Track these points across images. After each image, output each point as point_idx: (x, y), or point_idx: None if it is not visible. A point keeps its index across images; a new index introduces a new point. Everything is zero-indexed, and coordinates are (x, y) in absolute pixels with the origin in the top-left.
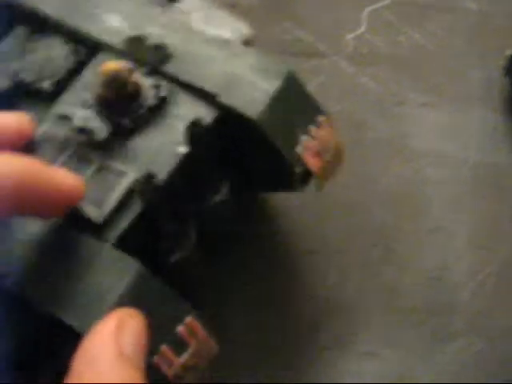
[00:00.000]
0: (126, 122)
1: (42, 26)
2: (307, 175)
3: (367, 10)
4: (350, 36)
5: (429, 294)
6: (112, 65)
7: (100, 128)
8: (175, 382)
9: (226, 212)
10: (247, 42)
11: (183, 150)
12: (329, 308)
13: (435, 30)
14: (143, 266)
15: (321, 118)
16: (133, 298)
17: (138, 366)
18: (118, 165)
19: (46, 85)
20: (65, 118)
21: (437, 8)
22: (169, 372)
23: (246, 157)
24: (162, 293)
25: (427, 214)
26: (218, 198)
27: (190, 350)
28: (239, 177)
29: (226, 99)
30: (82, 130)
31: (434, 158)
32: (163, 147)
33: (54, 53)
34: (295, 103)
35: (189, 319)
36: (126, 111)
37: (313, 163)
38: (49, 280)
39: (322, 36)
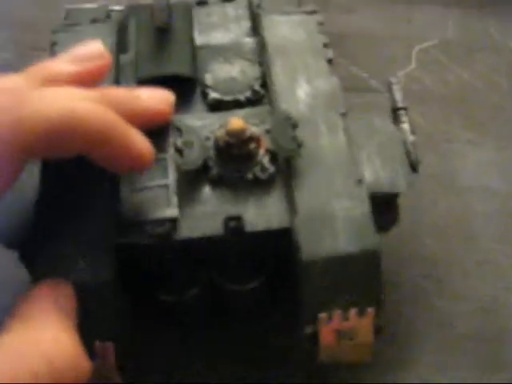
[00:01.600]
0: (232, 174)
1: None
2: (315, 340)
3: (416, 48)
4: (400, 73)
5: (479, 323)
6: (239, 124)
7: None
8: None
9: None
10: None
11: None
12: (382, 338)
13: (482, 68)
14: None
15: (370, 310)
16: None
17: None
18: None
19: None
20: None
21: (483, 48)
22: None
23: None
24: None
25: (476, 246)
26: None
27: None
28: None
29: (299, 225)
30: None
31: (481, 192)
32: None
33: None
34: (357, 277)
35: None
36: (238, 165)
37: (325, 337)
38: None
39: (373, 72)
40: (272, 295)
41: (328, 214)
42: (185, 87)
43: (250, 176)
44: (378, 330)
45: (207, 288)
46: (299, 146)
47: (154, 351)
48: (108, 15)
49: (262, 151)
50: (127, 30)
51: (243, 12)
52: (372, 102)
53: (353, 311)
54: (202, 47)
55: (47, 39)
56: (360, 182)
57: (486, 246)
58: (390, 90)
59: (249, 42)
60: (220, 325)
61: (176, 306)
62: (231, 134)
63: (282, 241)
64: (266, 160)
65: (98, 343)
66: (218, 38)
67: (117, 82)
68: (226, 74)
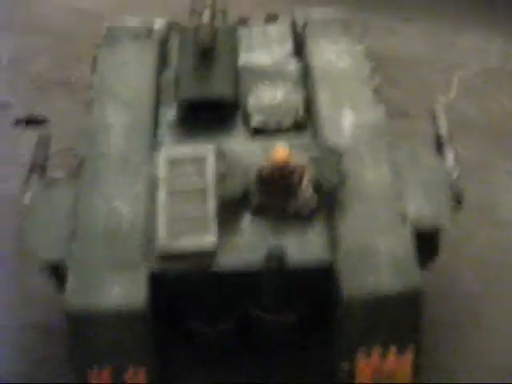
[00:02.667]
0: (273, 205)
1: None
2: (351, 378)
3: (458, 74)
4: (441, 99)
5: None
6: (283, 156)
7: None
8: None
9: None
10: None
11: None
12: (422, 369)
13: None
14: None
15: (409, 349)
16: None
17: None
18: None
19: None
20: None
21: None
22: None
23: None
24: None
25: None
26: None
27: None
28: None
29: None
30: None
31: None
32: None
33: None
34: (398, 315)
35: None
36: (280, 196)
37: (362, 375)
38: None
39: (414, 97)
40: (308, 329)
41: (371, 251)
42: (227, 110)
43: (292, 209)
44: (416, 370)
45: (242, 319)
46: (343, 179)
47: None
48: (149, 32)
49: (305, 183)
50: (169, 48)
51: (285, 33)
52: (413, 128)
53: (392, 349)
54: (244, 68)
55: (84, 50)
56: (404, 217)
57: None
58: (434, 119)
59: (293, 65)
60: (253, 358)
61: (210, 337)
62: (275, 165)
63: (322, 275)
64: (308, 192)
65: (130, 368)
66: (261, 59)
67: (157, 101)
68: (269, 98)
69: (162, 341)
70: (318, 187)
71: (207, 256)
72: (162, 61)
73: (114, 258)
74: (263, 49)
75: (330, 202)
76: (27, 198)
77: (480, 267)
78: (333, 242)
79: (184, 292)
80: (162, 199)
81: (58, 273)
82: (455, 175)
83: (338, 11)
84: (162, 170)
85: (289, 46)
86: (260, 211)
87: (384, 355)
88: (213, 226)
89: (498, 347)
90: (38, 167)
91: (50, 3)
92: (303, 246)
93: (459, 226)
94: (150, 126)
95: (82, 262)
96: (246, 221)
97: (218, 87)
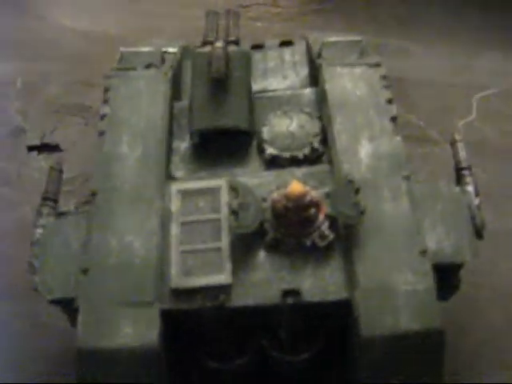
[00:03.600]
0: (289, 240)
1: None
2: None
3: (476, 97)
4: (460, 123)
5: None
6: (299, 189)
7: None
8: None
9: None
10: None
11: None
12: None
13: None
14: None
15: None
16: None
17: None
18: None
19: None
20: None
21: None
22: None
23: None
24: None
25: None
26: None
27: None
28: None
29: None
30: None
31: None
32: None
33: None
34: (418, 355)
35: None
36: (295, 230)
37: None
38: None
39: (432, 121)
40: (323, 369)
41: (390, 288)
42: (241, 140)
43: (308, 243)
44: None
45: (256, 357)
46: (361, 213)
47: None
48: (162, 59)
49: (321, 216)
50: (182, 75)
51: (301, 58)
52: (431, 153)
53: None
54: (258, 96)
55: (97, 74)
56: (424, 253)
57: None
58: (453, 147)
59: (308, 93)
60: None
61: (224, 374)
62: (290, 198)
63: (339, 313)
64: (325, 226)
65: None
66: (275, 85)
67: (170, 131)
68: (284, 128)
69: (178, 380)
70: (334, 221)
71: (221, 294)
72: (176, 89)
73: (126, 294)
74: (278, 73)
75: (347, 236)
76: (37, 233)
77: (502, 300)
78: (350, 279)
79: (198, 329)
80: (174, 233)
81: (70, 308)
82: (476, 205)
83: (354, 36)
84: (174, 203)
85: (304, 70)
86: (275, 246)
87: None
88: (227, 263)
89: None
90: (50, 200)
91: (60, 27)
92: (320, 283)
93: (479, 255)
94: (163, 158)
95: (94, 298)
96: (261, 255)
97: (233, 116)
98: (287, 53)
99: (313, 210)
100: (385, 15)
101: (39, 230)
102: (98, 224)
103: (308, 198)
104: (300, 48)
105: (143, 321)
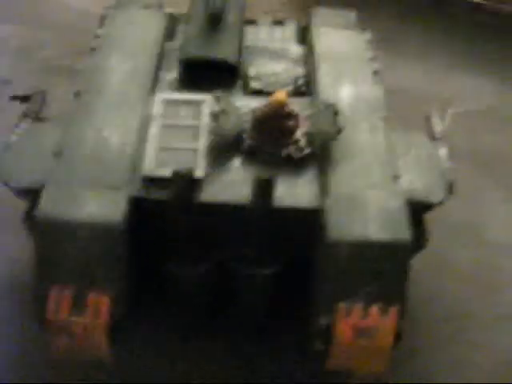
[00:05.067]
0: (266, 149)
1: None
2: (328, 336)
3: (451, 111)
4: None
5: (496, 374)
6: (282, 97)
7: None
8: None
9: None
10: None
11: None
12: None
13: None
14: None
15: (393, 309)
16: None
17: None
18: None
19: None
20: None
21: None
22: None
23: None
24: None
25: (499, 300)
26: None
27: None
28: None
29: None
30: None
31: (509, 249)
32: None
33: None
34: (384, 268)
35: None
36: (273, 140)
37: (342, 333)
38: None
39: (408, 125)
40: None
41: (361, 201)
42: (228, 75)
43: (284, 153)
44: (397, 336)
45: (216, 269)
46: (339, 131)
47: (154, 350)
48: (160, 5)
49: (299, 132)
50: (178, 20)
51: (291, 29)
52: None
53: (375, 307)
54: (248, 45)
55: (84, 42)
56: (396, 178)
57: (509, 301)
58: (428, 122)
59: (296, 48)
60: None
61: (181, 283)
62: (272, 104)
63: (306, 223)
64: (302, 142)
65: (92, 294)
66: (265, 42)
67: (158, 67)
68: (269, 68)
69: (133, 277)
70: (312, 138)
71: (192, 185)
72: (170, 31)
73: (95, 178)
74: (268, 36)
75: (322, 155)
76: (13, 137)
77: (464, 282)
78: (322, 190)
79: (163, 225)
80: (153, 132)
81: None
82: (447, 165)
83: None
84: (157, 109)
85: (293, 34)
86: (252, 153)
87: (366, 313)
88: (202, 160)
89: (477, 363)
90: (32, 113)
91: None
92: (292, 190)
93: (446, 240)
94: (151, 74)
95: (61, 180)
96: (236, 161)
97: (222, 50)
98: (278, 30)
99: (292, 122)
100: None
101: (15, 136)
102: (76, 121)
103: (288, 108)
104: (291, 25)
105: (110, 202)
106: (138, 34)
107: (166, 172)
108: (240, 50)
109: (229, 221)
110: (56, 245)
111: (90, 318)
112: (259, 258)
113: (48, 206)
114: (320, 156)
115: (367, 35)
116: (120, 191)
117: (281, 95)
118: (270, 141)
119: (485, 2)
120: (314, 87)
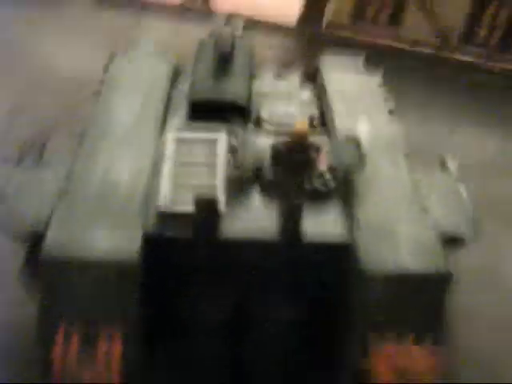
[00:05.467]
0: (288, 182)
1: None
2: (366, 379)
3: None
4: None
5: None
6: (303, 127)
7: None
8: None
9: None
10: None
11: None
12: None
13: None
14: None
15: (429, 339)
16: None
17: None
18: None
19: None
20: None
21: None
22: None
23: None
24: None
25: None
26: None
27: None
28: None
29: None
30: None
31: None
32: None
33: None
34: (419, 299)
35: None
36: (295, 173)
37: (381, 374)
38: None
39: None
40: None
41: (392, 233)
42: (238, 117)
43: (309, 187)
44: (443, 371)
45: (233, 313)
46: (363, 163)
47: None
48: (165, 53)
49: (321, 165)
50: (184, 63)
51: (298, 78)
52: None
53: (416, 347)
54: (256, 92)
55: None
56: (425, 210)
57: None
58: (443, 165)
59: (305, 91)
60: None
61: (199, 333)
62: (295, 135)
63: (335, 260)
64: (327, 174)
65: (104, 326)
66: (274, 86)
67: (166, 108)
68: (282, 110)
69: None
70: (336, 169)
71: (217, 218)
72: (176, 76)
73: (104, 217)
74: (275, 82)
75: (346, 188)
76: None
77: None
78: (351, 223)
79: (179, 267)
80: (167, 170)
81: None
82: (471, 203)
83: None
84: (169, 148)
85: (299, 79)
86: (272, 187)
87: (407, 351)
88: (221, 195)
89: None
90: (35, 147)
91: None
92: (320, 225)
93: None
94: (160, 113)
95: (66, 219)
96: (256, 196)
97: (232, 93)
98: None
99: (314, 153)
100: None
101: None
102: (81, 160)
103: (310, 139)
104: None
105: (123, 239)
106: (144, 77)
107: (184, 208)
108: (250, 91)
109: (253, 259)
110: (64, 283)
111: (101, 366)
112: (284, 300)
113: (54, 243)
114: (344, 190)
115: (378, 78)
116: (133, 229)
117: (302, 125)
118: (292, 174)
119: (479, 61)
120: (330, 125)
